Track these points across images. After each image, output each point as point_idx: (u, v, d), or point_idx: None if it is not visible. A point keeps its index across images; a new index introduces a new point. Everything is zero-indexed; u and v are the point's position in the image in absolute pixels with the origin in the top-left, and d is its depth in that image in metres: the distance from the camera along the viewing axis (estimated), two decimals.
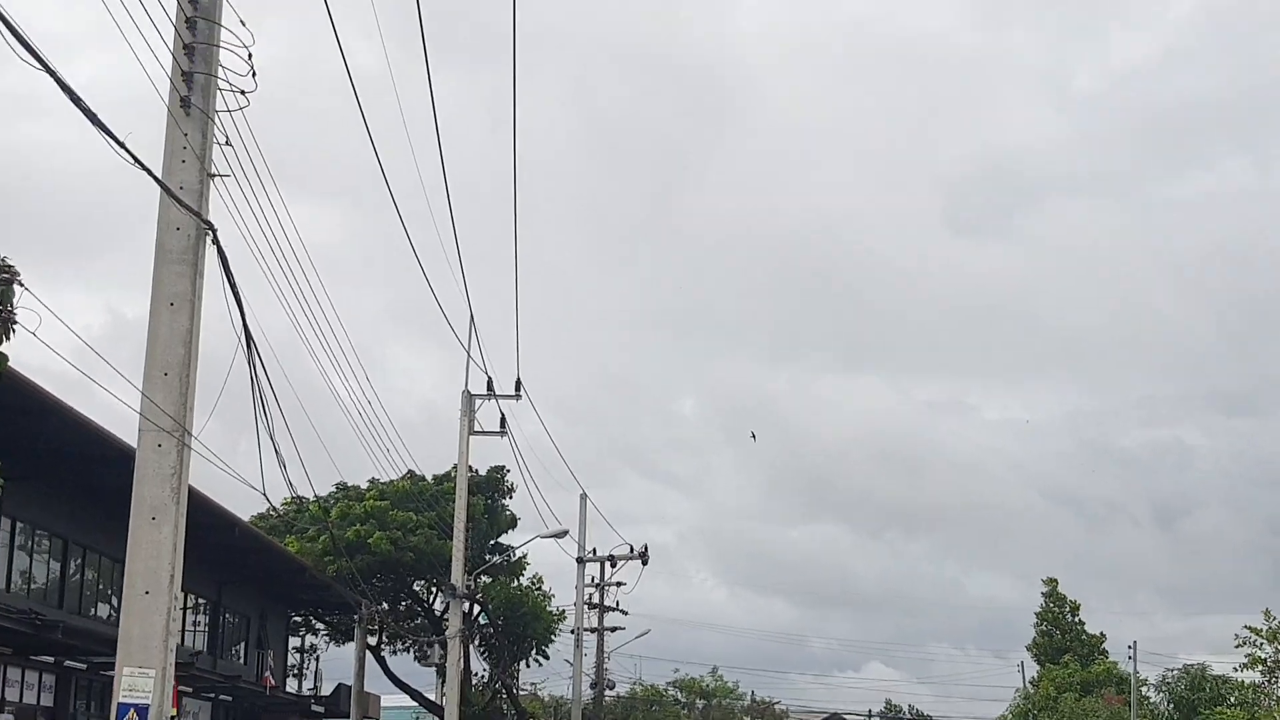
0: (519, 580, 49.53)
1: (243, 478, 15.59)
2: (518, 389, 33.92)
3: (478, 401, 33.99)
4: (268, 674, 35.11)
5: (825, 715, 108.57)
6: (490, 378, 33.68)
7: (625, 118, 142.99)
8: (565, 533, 38.40)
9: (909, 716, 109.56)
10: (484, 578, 49.64)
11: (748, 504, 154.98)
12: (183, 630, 36.99)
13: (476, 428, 34.11)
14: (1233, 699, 35.04)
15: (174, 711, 28.27)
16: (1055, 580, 59.87)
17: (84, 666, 28.40)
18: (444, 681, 35.08)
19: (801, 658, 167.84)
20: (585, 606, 53.44)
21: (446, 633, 34.17)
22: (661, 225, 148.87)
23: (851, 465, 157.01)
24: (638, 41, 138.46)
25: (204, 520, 31.62)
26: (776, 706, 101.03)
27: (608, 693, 62.04)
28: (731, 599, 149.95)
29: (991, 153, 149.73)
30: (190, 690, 34.71)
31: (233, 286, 11.65)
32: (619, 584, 56.12)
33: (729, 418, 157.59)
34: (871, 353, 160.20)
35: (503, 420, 34.04)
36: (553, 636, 49.85)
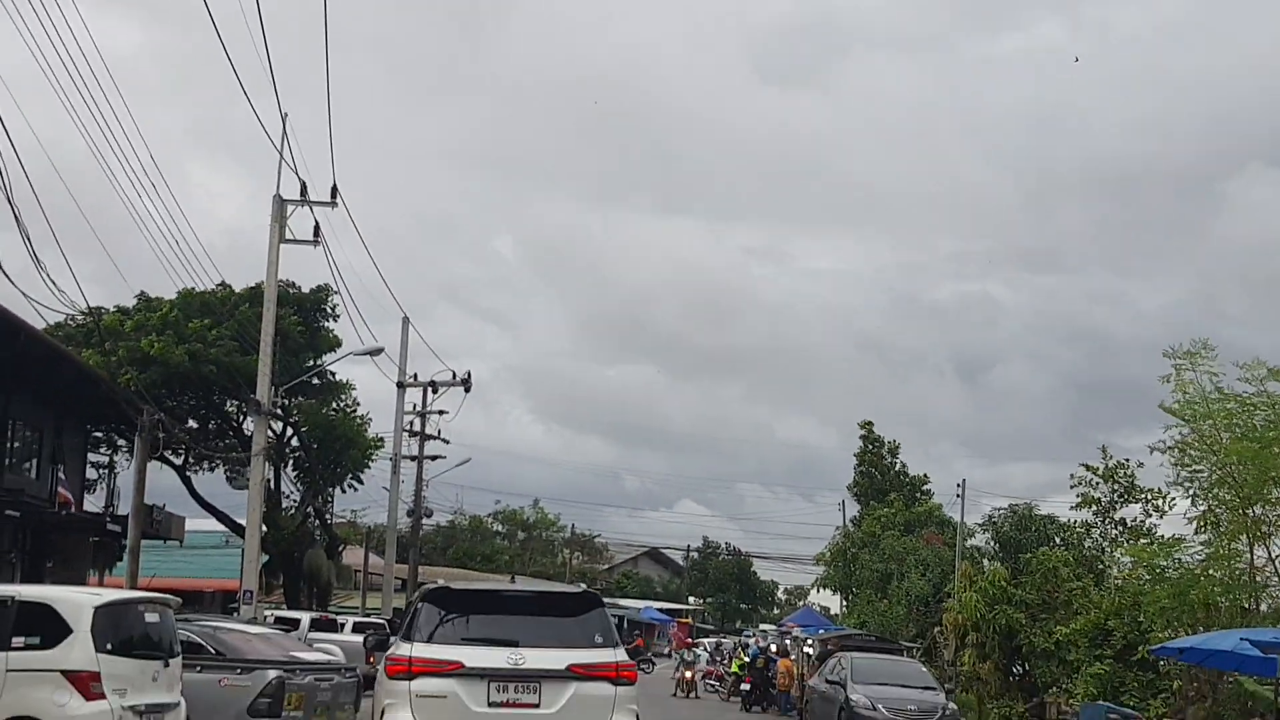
0: (337, 404, 47.67)
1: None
2: (334, 195, 31.76)
3: (290, 208, 31.76)
4: (62, 489, 32.78)
5: (644, 549, 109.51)
6: (304, 182, 31.47)
7: None
8: (380, 350, 36.65)
9: (726, 552, 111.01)
10: (300, 398, 47.70)
11: (563, 343, 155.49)
12: None
13: (289, 236, 31.94)
14: (1058, 539, 35.13)
15: None
16: (871, 422, 60.13)
17: None
18: None
19: (616, 494, 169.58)
20: (405, 434, 51.88)
21: (252, 451, 32.20)
22: (469, 66, 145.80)
23: (665, 307, 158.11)
24: None
25: None
26: (596, 540, 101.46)
27: (426, 521, 60.78)
28: (548, 435, 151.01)
29: (805, 4, 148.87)
30: None
31: None
32: (440, 412, 54.66)
33: (545, 258, 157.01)
34: (685, 198, 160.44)
35: (316, 228, 31.95)
36: (368, 461, 48.29)
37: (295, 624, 34.72)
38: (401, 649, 12.50)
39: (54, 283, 13.80)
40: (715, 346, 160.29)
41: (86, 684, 12.62)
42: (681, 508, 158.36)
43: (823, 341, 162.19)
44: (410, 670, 12.15)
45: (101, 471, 52.36)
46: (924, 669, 29.71)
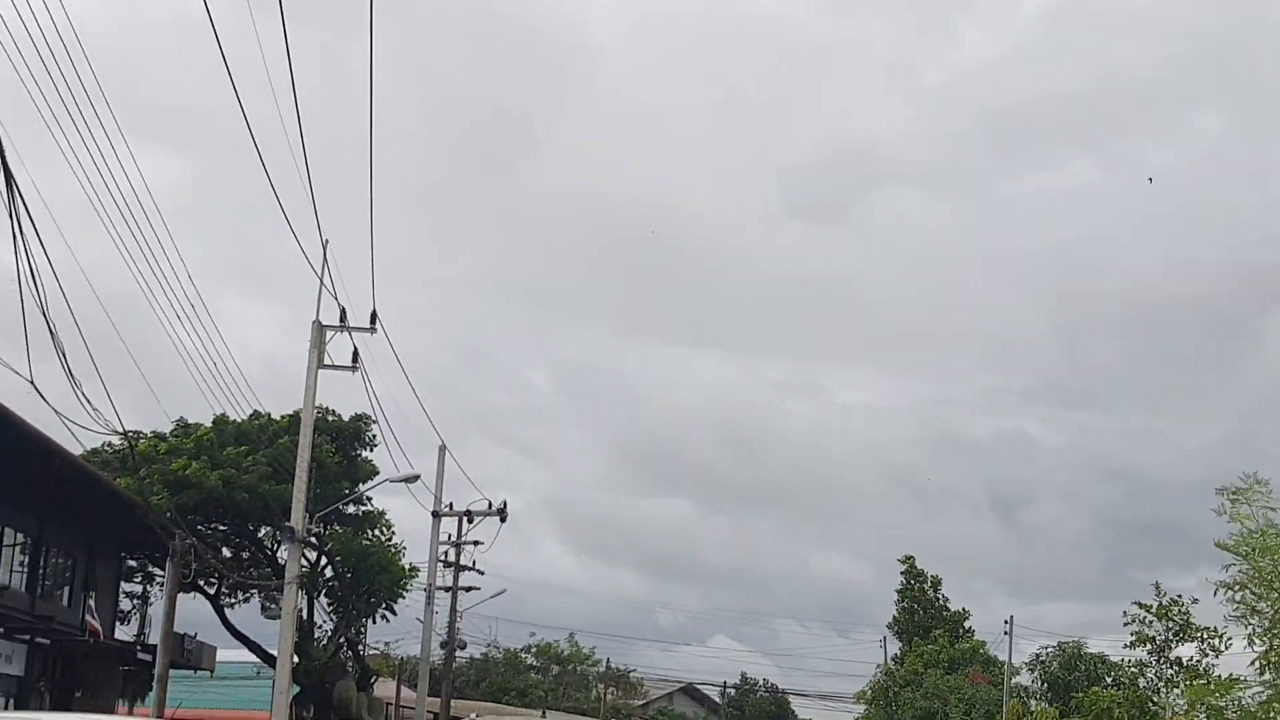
0: (372, 533, 47.23)
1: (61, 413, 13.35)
2: (373, 321, 31.69)
3: (329, 333, 31.68)
4: (90, 618, 32.36)
5: (680, 685, 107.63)
6: (343, 308, 31.41)
7: (459, 85, 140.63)
8: (416, 477, 36.24)
9: (765, 689, 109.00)
10: (336, 527, 47.30)
11: (596, 475, 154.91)
12: None
13: (327, 361, 31.81)
14: (1109, 679, 34.06)
15: None
16: (912, 557, 59.06)
17: None
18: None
19: (649, 627, 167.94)
20: (440, 564, 51.31)
21: (285, 579, 31.74)
22: (497, 196, 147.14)
23: (697, 440, 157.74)
24: (471, 5, 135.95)
25: (19, 446, 29.04)
26: (631, 675, 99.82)
27: (460, 654, 59.90)
28: (580, 567, 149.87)
29: (835, 140, 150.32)
30: (0, 630, 31.94)
31: None
32: (475, 543, 54.16)
33: (578, 388, 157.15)
34: (716, 331, 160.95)
35: (355, 354, 31.78)
36: (402, 591, 47.65)
37: None
38: None
39: (89, 402, 13.55)
40: (747, 479, 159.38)
41: None
42: (715, 642, 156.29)
43: (855, 475, 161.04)
44: None
45: (135, 601, 51.98)
46: None
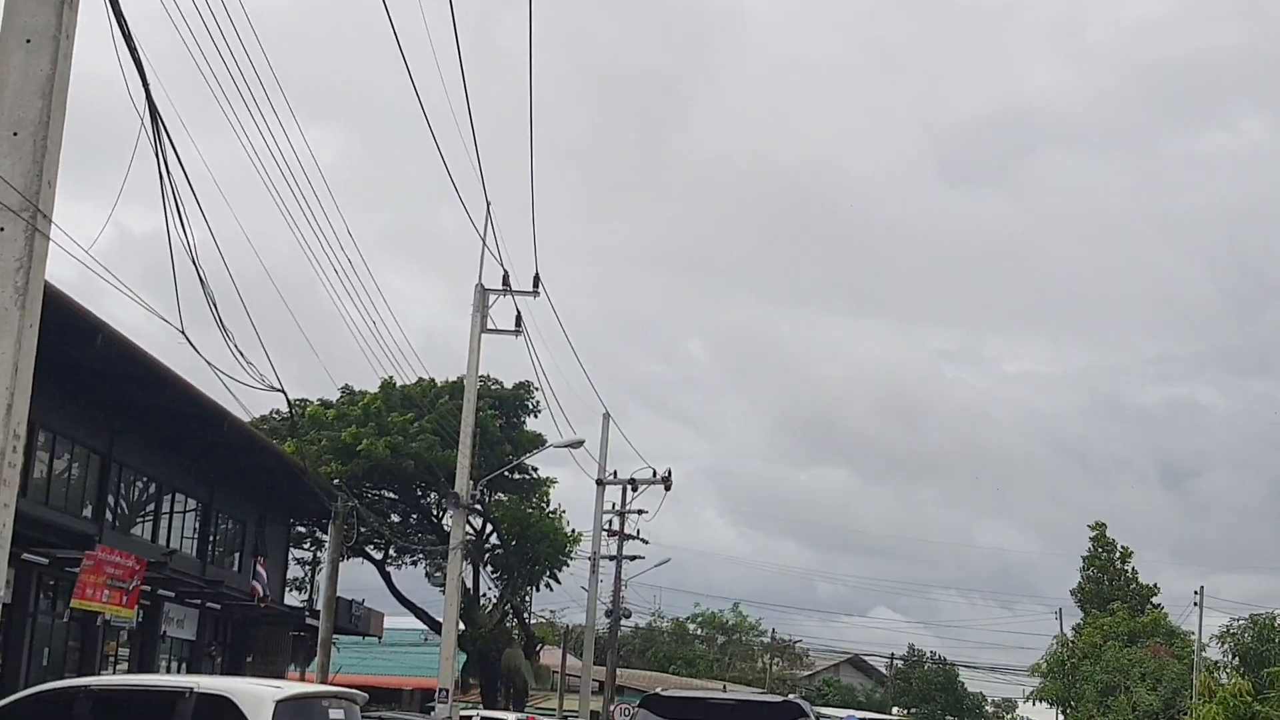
0: (535, 501, 46.98)
1: (223, 373, 12.90)
2: (536, 285, 31.11)
3: (492, 297, 31.22)
4: (255, 583, 32.53)
5: (846, 656, 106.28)
6: (506, 271, 30.90)
7: (614, 55, 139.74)
8: (581, 443, 35.64)
9: (933, 661, 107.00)
10: (499, 495, 47.20)
11: (755, 445, 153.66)
12: (168, 530, 34.53)
13: (490, 325, 31.38)
14: None
15: (130, 612, 25.83)
16: (1103, 524, 56.94)
17: (46, 561, 25.81)
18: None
19: (809, 599, 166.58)
20: (604, 533, 50.89)
21: (450, 545, 31.47)
22: (652, 165, 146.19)
23: (858, 409, 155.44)
24: None
25: (188, 411, 29.18)
26: (796, 645, 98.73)
27: (624, 623, 59.53)
28: (740, 538, 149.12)
29: (995, 102, 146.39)
30: (172, 595, 32.24)
31: (123, 29, 8.67)
32: (640, 512, 53.64)
33: (736, 359, 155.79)
34: (875, 299, 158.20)
35: (518, 318, 31.26)
36: (566, 559, 47.32)
37: None
38: None
39: (243, 355, 13.09)
40: (909, 449, 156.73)
41: None
42: (876, 614, 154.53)
43: (1019, 445, 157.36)
44: None
45: (305, 567, 52.63)
46: None
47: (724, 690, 28.21)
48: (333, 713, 12.64)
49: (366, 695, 13.67)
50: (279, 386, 14.42)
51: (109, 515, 30.51)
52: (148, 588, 30.30)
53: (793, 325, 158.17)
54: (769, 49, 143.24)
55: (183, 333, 11.03)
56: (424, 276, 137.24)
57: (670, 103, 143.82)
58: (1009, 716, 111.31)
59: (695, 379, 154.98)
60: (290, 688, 12.53)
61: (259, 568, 33.53)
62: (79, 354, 24.31)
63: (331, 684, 24.18)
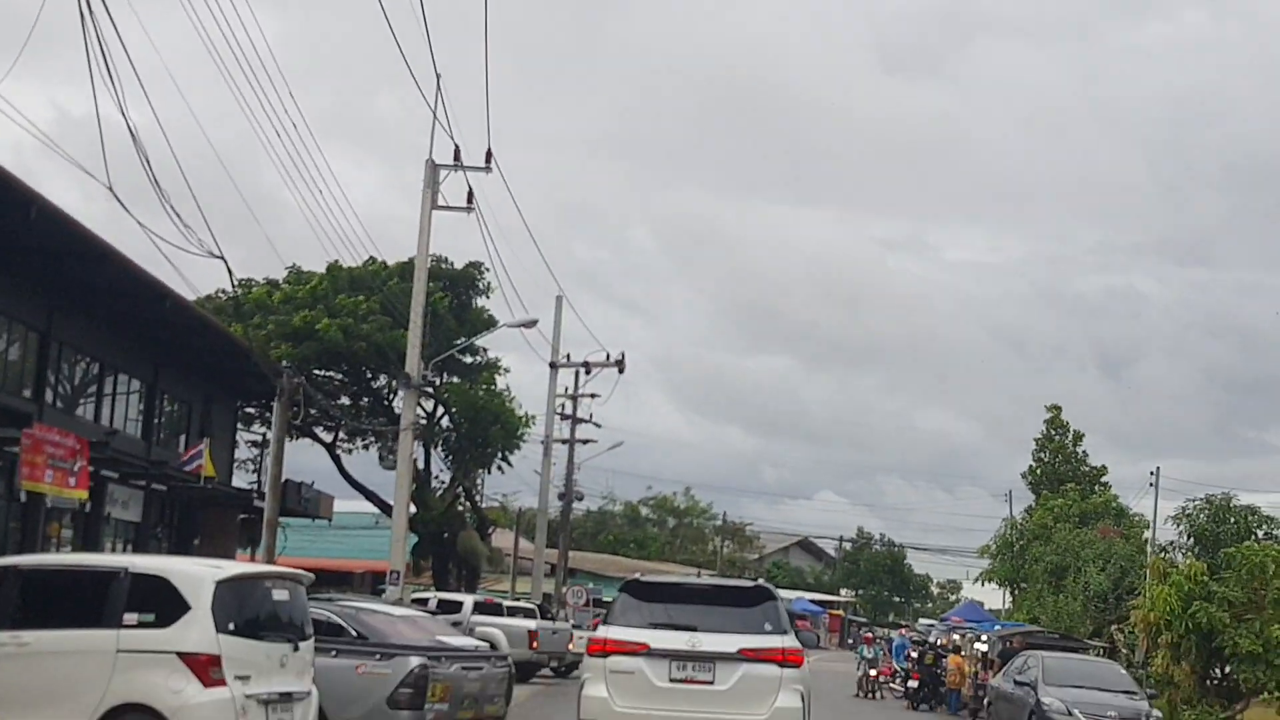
0: (487, 384, 46.31)
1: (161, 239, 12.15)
2: (488, 160, 30.25)
3: (443, 173, 30.37)
4: (198, 462, 31.81)
5: (795, 538, 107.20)
6: (457, 146, 30.03)
7: None
8: (535, 322, 35.07)
9: (880, 543, 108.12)
10: (450, 377, 46.57)
11: (701, 333, 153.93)
12: (111, 411, 33.79)
13: (440, 202, 30.56)
14: (1260, 532, 32.25)
15: (80, 494, 25.23)
16: (1059, 407, 56.94)
17: None
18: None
19: (755, 484, 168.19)
20: (556, 416, 50.44)
21: (400, 426, 30.94)
22: (590, 53, 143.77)
23: (801, 297, 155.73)
24: None
25: (130, 288, 28.28)
26: (747, 528, 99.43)
27: (577, 505, 59.40)
28: (686, 425, 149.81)
29: None
30: (115, 476, 31.55)
31: None
32: (592, 396, 53.21)
33: (680, 246, 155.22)
34: (818, 188, 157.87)
35: (470, 194, 30.47)
36: (519, 442, 46.89)
37: (457, 606, 33.55)
38: (600, 631, 14.96)
39: (180, 217, 12.34)
40: (850, 336, 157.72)
41: (205, 668, 11.11)
42: (821, 498, 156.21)
43: (961, 333, 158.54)
44: (605, 650, 14.36)
45: (254, 449, 51.92)
46: (1123, 671, 27.24)
47: (699, 576, 29.06)
48: (276, 593, 12.15)
49: (312, 576, 13.19)
50: (218, 253, 13.71)
51: (50, 395, 29.76)
52: (89, 468, 29.71)
53: (736, 213, 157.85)
54: None
55: (110, 189, 10.30)
56: (368, 159, 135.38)
57: None
58: (953, 597, 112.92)
59: (641, 266, 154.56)
60: (231, 567, 12.02)
61: (202, 446, 32.81)
62: (13, 228, 23.46)
63: (278, 565, 23.73)
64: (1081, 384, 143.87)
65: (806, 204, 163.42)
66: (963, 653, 36.76)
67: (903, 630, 46.79)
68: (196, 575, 11.53)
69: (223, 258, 14.24)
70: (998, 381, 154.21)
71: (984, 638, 36.43)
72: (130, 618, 11.33)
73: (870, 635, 48.98)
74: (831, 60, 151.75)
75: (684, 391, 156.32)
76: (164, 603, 11.33)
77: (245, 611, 11.70)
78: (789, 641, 14.53)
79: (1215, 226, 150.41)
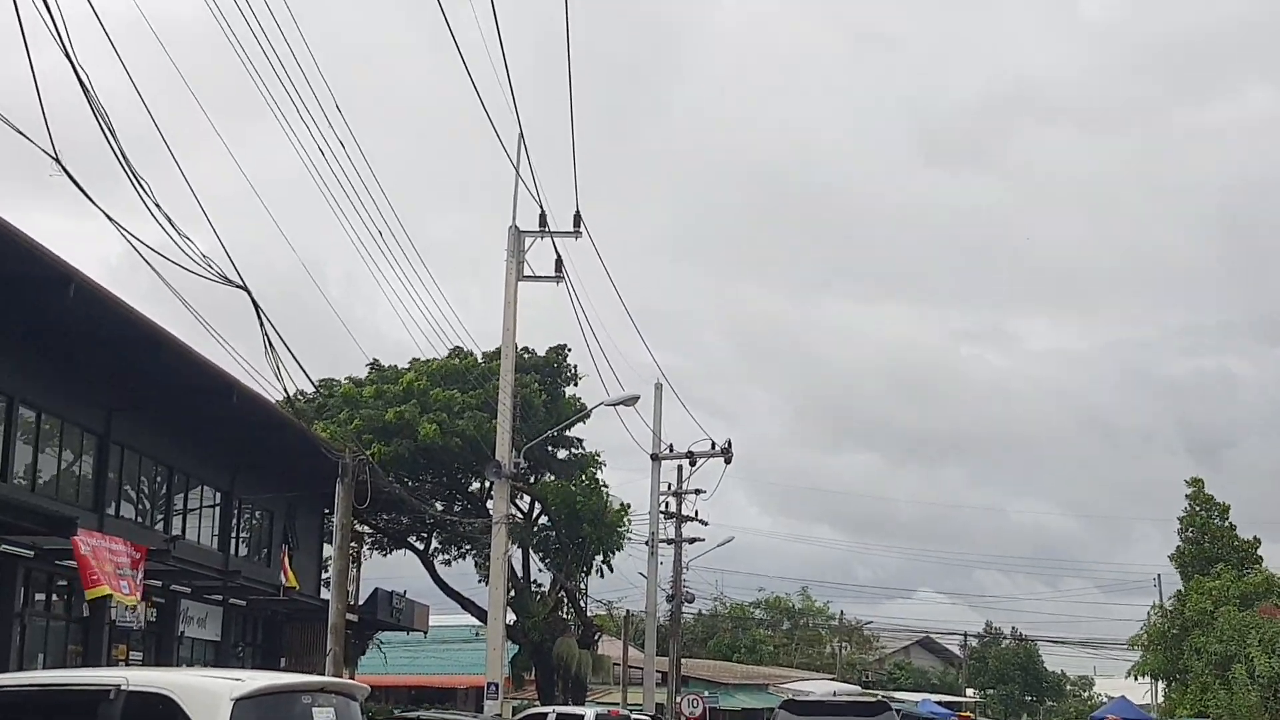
0: (583, 476, 43.15)
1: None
2: (577, 224, 27.64)
3: (528, 240, 27.78)
4: (284, 571, 29.10)
5: (917, 636, 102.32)
6: (543, 210, 27.41)
7: (580, 45, 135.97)
8: (636, 398, 32.07)
9: (1011, 638, 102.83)
10: (545, 475, 43.66)
11: (779, 433, 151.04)
12: (183, 521, 31.22)
13: (527, 272, 27.93)
14: None
15: (132, 599, 22.48)
16: (1200, 480, 52.67)
17: (30, 553, 22.52)
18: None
19: (849, 582, 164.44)
20: (660, 514, 47.27)
21: (492, 520, 28.03)
22: (632, 155, 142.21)
23: (880, 393, 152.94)
24: None
25: (192, 380, 25.84)
26: (866, 626, 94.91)
27: (686, 608, 55.96)
28: (775, 526, 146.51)
29: (990, 83, 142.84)
30: (188, 590, 28.95)
31: None
32: (697, 491, 50.02)
33: (753, 347, 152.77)
34: (886, 282, 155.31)
35: (559, 261, 27.80)
36: (620, 539, 43.60)
37: None
38: None
39: (192, 241, 9.67)
40: (932, 429, 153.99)
41: None
42: (920, 597, 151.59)
43: (1048, 422, 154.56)
44: None
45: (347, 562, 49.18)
46: None
47: (834, 696, 30.34)
48: (319, 712, 9.12)
49: (368, 688, 10.17)
50: (240, 283, 11.01)
51: (114, 506, 27.29)
52: (158, 582, 27.08)
53: (805, 312, 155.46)
54: (736, 34, 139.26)
55: (56, 159, 7.62)
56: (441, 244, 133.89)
57: (642, 92, 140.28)
58: (1086, 694, 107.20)
59: (713, 368, 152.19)
60: (257, 679, 9.01)
61: (284, 555, 30.10)
62: (54, 312, 21.11)
63: (355, 680, 20.78)
64: (1179, 469, 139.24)
65: (876, 300, 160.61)
66: None
67: None
68: (209, 692, 8.55)
69: (244, 286, 11.55)
70: (1091, 470, 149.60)
71: None
72: None
73: None
74: (881, 154, 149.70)
75: (768, 494, 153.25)
76: None
77: None
78: None
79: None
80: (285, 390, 17.60)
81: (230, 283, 11.05)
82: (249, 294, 11.79)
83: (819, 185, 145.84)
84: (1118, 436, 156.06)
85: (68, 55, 10.36)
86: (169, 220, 11.34)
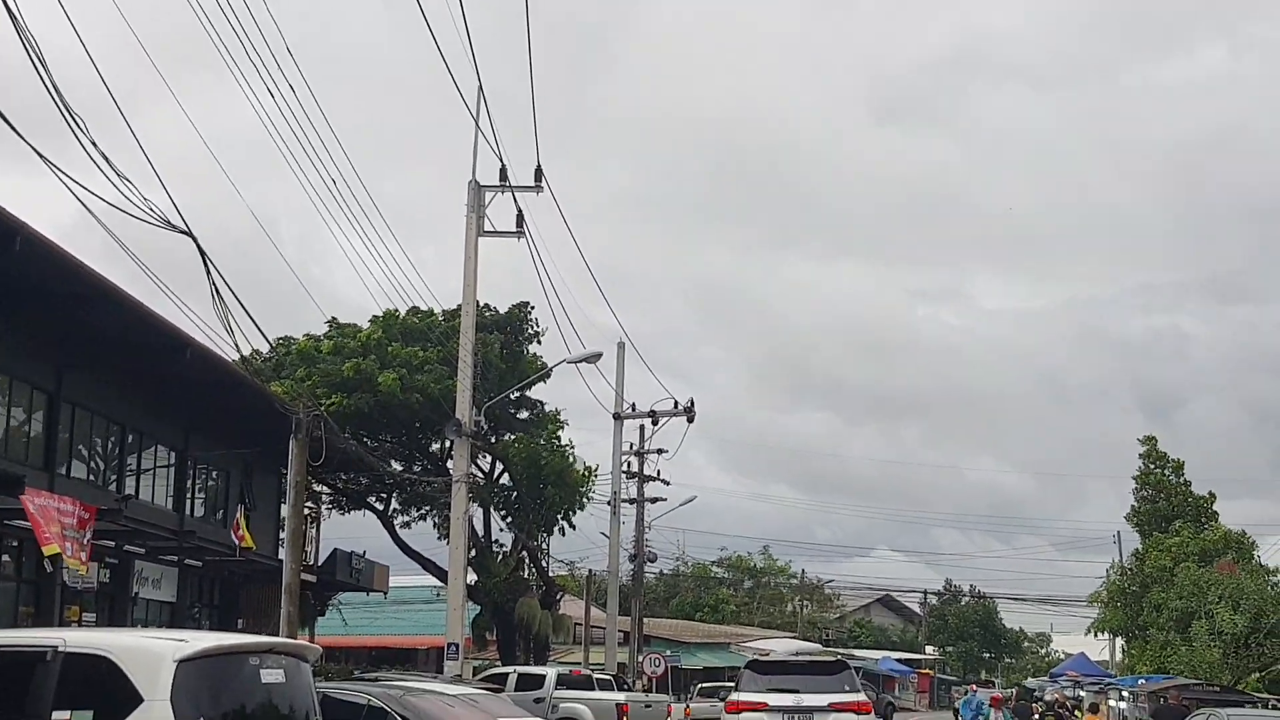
0: (544, 435, 42.75)
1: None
2: (538, 178, 27.14)
3: (489, 195, 27.28)
4: (238, 529, 28.55)
5: (878, 594, 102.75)
6: (504, 164, 26.91)
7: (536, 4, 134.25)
8: (599, 355, 31.63)
9: (971, 596, 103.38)
10: (506, 434, 43.25)
11: (737, 393, 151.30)
12: (136, 481, 30.67)
13: (488, 227, 27.45)
14: None
15: (80, 565, 21.98)
16: (1154, 438, 52.67)
17: None
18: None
19: (808, 542, 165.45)
20: (622, 474, 46.95)
21: (452, 478, 27.64)
22: (587, 114, 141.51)
23: (838, 352, 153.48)
24: None
25: (144, 338, 25.23)
26: (828, 584, 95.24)
27: (649, 567, 55.75)
28: (734, 485, 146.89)
29: (943, 42, 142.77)
30: (141, 550, 28.43)
31: None
32: (659, 451, 49.74)
33: (709, 307, 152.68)
34: (843, 241, 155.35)
35: (520, 218, 27.32)
36: (583, 498, 43.31)
37: (539, 681, 30.33)
38: (733, 695, 22.73)
39: (122, 177, 9.24)
40: (890, 388, 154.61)
41: None
42: (877, 555, 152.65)
43: (1002, 381, 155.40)
44: (739, 709, 21.89)
45: (305, 523, 48.67)
46: None
47: (796, 655, 30.94)
48: (267, 673, 8.74)
49: (320, 649, 9.81)
50: (185, 228, 10.52)
51: (65, 465, 26.74)
52: (110, 543, 26.55)
53: (765, 270, 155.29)
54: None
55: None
56: (404, 191, 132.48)
57: (596, 52, 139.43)
58: (1042, 651, 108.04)
59: (672, 330, 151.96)
60: (201, 640, 8.63)
61: (239, 514, 29.58)
62: (2, 268, 20.49)
63: (314, 642, 20.41)
64: (1134, 426, 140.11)
65: (832, 259, 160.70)
66: (1100, 711, 32.76)
67: (973, 687, 42.08)
68: (150, 653, 8.18)
69: (188, 232, 11.06)
70: (1046, 427, 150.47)
71: (1124, 694, 32.51)
72: (61, 715, 8.02)
73: (999, 697, 43.46)
74: (836, 113, 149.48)
75: (726, 451, 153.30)
76: (108, 691, 8.00)
77: (223, 700, 8.34)
78: (860, 697, 22.18)
79: (1255, 261, 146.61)
80: (236, 345, 16.93)
81: (174, 228, 10.58)
82: (194, 240, 11.32)
83: (774, 145, 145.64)
84: (1071, 394, 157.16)
85: (9, 10, 9.92)
86: (112, 168, 10.86)
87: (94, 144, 11.61)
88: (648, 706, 31.30)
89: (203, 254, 11.98)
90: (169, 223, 10.54)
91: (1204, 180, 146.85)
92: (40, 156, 10.28)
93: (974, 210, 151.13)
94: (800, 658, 28.11)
